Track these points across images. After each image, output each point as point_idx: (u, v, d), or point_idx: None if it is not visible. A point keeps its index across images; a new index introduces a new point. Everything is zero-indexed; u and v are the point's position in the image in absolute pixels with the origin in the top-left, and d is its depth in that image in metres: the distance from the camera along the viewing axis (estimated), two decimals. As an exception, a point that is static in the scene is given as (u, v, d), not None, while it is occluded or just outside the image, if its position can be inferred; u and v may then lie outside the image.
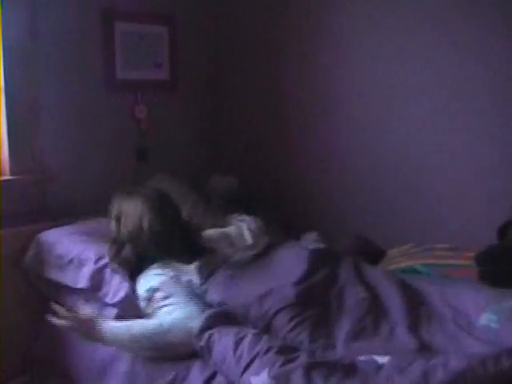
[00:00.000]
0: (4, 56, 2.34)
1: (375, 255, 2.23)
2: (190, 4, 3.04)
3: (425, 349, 1.61)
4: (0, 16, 2.32)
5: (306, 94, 2.84)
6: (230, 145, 3.16)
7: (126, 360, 1.91)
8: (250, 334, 1.64)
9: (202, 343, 1.70)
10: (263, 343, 1.58)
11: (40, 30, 2.44)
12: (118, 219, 2.10)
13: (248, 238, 2.16)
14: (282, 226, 2.84)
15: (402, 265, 2.10)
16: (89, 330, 1.82)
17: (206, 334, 1.70)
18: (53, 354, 2.22)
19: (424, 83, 2.48)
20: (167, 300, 1.88)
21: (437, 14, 2.40)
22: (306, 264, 1.97)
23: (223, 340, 1.66)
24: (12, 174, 2.41)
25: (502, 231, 1.98)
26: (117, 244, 2.10)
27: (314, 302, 1.83)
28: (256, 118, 3.06)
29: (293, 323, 1.73)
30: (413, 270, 2.05)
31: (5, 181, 2.36)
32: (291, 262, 2.02)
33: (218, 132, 3.18)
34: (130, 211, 2.07)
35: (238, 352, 1.59)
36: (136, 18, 2.81)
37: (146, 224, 2.03)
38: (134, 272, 2.05)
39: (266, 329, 1.75)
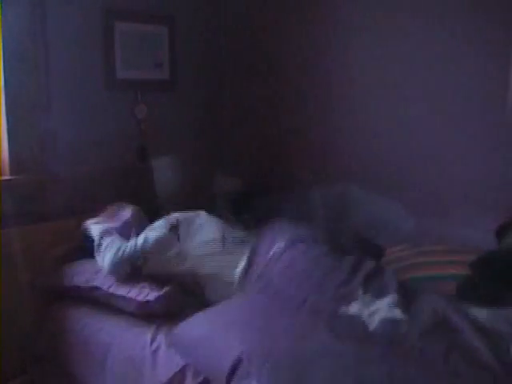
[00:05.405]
0: (4, 56, 2.34)
1: (374, 253, 2.23)
2: (189, 4, 3.04)
3: None
4: (0, 16, 2.32)
5: (308, 92, 2.84)
6: (230, 145, 3.16)
7: (125, 358, 1.95)
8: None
9: None
10: None
11: (40, 30, 2.44)
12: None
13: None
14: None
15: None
16: None
17: None
18: (54, 353, 2.22)
19: (425, 82, 2.48)
20: None
21: (438, 12, 2.40)
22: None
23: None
24: (12, 173, 2.41)
25: (501, 233, 1.97)
26: None
27: None
28: (256, 117, 3.06)
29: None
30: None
31: (5, 181, 2.36)
32: None
33: (218, 132, 3.19)
34: None
35: None
36: (136, 18, 2.81)
37: None
38: None
39: None
